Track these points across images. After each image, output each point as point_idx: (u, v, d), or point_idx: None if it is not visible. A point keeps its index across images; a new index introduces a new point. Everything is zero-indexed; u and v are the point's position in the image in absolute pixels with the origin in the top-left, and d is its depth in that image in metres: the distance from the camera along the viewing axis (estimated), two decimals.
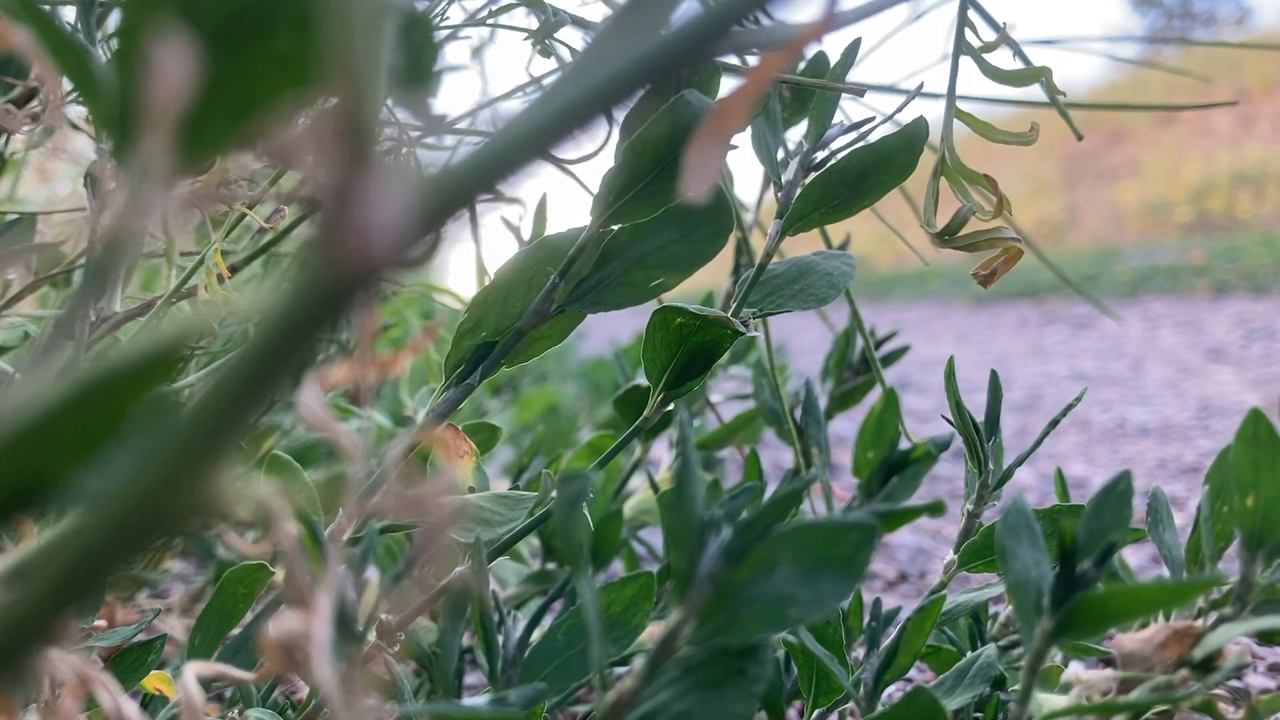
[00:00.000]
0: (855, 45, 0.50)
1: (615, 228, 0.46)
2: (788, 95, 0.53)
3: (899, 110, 0.49)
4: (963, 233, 0.48)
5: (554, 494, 0.51)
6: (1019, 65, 0.50)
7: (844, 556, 0.30)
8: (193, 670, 0.27)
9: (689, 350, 0.47)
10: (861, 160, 0.46)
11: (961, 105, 0.50)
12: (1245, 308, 4.08)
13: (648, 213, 0.44)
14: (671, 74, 0.14)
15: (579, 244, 0.45)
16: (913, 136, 0.46)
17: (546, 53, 0.55)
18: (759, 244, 0.66)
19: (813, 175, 0.48)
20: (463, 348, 0.47)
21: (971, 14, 0.50)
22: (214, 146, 0.19)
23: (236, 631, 0.49)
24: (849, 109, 1.40)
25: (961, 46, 0.49)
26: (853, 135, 0.48)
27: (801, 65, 0.52)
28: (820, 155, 0.49)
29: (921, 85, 0.50)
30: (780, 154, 0.50)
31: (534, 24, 0.56)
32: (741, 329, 0.45)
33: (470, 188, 0.14)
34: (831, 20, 0.18)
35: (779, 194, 0.49)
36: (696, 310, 0.45)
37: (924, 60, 0.72)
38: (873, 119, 0.48)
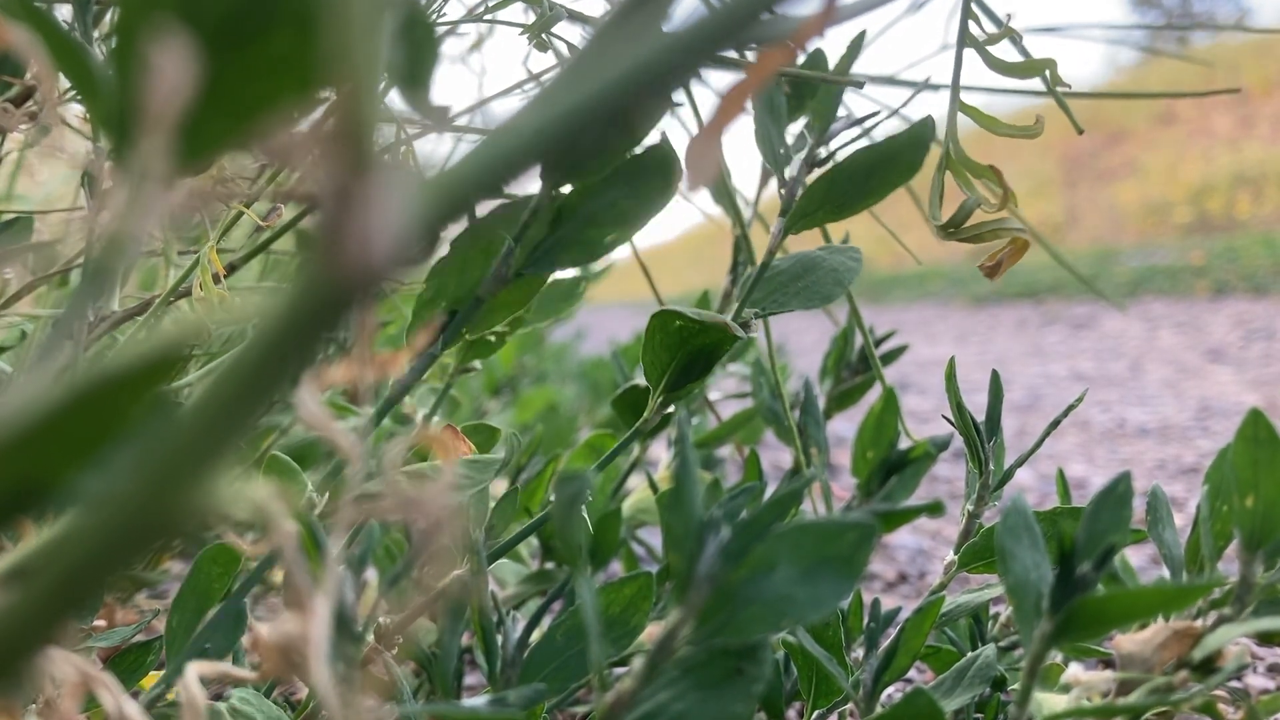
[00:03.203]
0: (860, 38, 0.50)
1: (566, 189, 0.46)
2: (787, 90, 0.53)
3: (904, 105, 0.49)
4: (967, 225, 0.47)
5: (517, 451, 0.51)
6: (1020, 57, 0.50)
7: (843, 556, 0.30)
8: (194, 670, 0.27)
9: (689, 353, 0.47)
10: (867, 158, 0.46)
11: (962, 97, 0.50)
12: (1244, 308, 4.08)
13: (596, 171, 0.44)
14: (680, 76, 0.14)
15: (531, 208, 0.45)
16: (919, 135, 0.46)
17: (543, 46, 0.55)
18: (757, 242, 0.66)
19: (817, 173, 0.48)
20: (423, 318, 0.47)
21: (973, 7, 0.49)
22: (213, 146, 0.18)
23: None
24: (849, 101, 1.39)
25: (965, 38, 0.49)
26: (857, 131, 0.48)
27: (800, 60, 0.52)
28: (824, 151, 0.48)
29: (928, 79, 0.50)
30: (781, 150, 0.50)
31: (532, 20, 0.56)
32: (740, 334, 0.45)
33: (471, 191, 0.14)
34: (832, 14, 0.18)
35: (782, 190, 0.49)
36: (695, 315, 0.45)
37: (922, 52, 0.72)
38: (878, 113, 0.48)
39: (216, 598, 0.46)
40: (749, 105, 0.49)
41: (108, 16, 0.45)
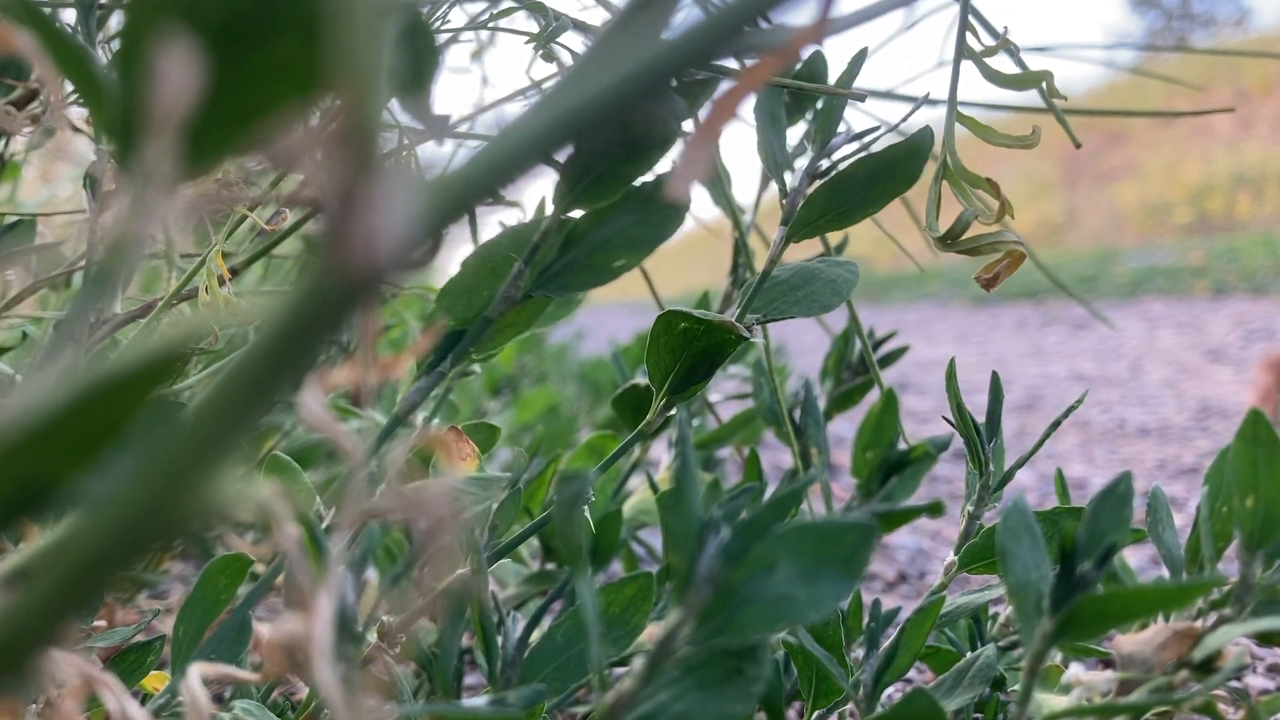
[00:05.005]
0: (861, 55, 0.50)
1: (577, 214, 0.46)
2: (787, 100, 0.53)
3: (906, 119, 0.50)
4: (965, 237, 0.48)
5: (528, 473, 0.51)
6: (1017, 70, 0.50)
7: (842, 556, 0.30)
8: (197, 671, 0.27)
9: (693, 355, 0.47)
10: (867, 168, 0.47)
11: (959, 108, 0.50)
12: (1244, 308, 4.08)
13: (607, 197, 0.45)
14: (676, 80, 0.14)
15: (542, 230, 0.46)
16: (918, 145, 0.46)
17: (548, 57, 0.55)
18: (756, 246, 0.66)
19: (818, 183, 0.48)
20: (429, 334, 0.48)
21: (969, 19, 0.50)
22: (217, 151, 0.19)
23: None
24: (848, 115, 1.40)
25: (963, 51, 0.49)
26: (856, 144, 0.49)
27: (797, 68, 0.52)
28: (825, 163, 0.49)
29: (928, 94, 0.50)
30: (782, 159, 0.51)
31: (534, 28, 0.56)
32: (745, 334, 0.45)
33: (473, 193, 0.14)
34: (826, 25, 0.18)
35: (784, 200, 0.49)
36: (701, 315, 0.45)
37: (920, 66, 0.72)
38: (878, 127, 0.48)
39: (223, 608, 0.46)
40: (748, 113, 0.49)
41: (111, 20, 0.45)
